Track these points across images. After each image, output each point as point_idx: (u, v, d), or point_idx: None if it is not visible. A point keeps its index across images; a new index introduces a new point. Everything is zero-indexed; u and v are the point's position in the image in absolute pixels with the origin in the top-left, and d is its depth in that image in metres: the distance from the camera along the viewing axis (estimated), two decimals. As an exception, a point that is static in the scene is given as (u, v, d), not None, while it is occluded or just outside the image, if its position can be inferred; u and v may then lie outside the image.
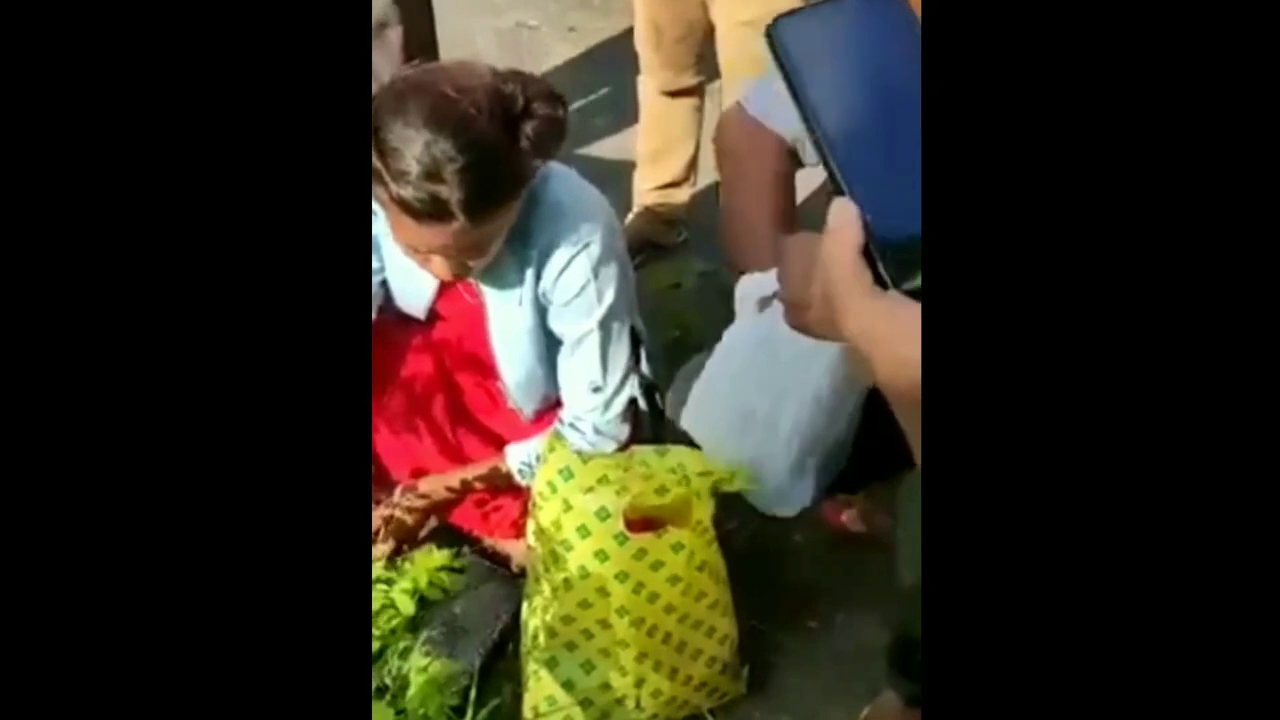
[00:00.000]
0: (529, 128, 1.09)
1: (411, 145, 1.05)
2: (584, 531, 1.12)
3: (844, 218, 0.46)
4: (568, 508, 1.13)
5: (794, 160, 1.27)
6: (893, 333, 0.47)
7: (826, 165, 0.47)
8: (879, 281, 0.47)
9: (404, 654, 1.02)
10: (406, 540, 1.41)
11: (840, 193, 0.46)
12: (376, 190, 1.09)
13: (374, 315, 1.43)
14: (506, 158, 1.09)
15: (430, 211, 1.07)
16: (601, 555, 1.13)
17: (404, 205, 1.07)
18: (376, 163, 1.07)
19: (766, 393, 1.12)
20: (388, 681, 1.06)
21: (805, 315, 0.76)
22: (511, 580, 1.40)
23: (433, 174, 1.05)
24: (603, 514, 1.12)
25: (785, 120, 1.25)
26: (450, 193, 1.06)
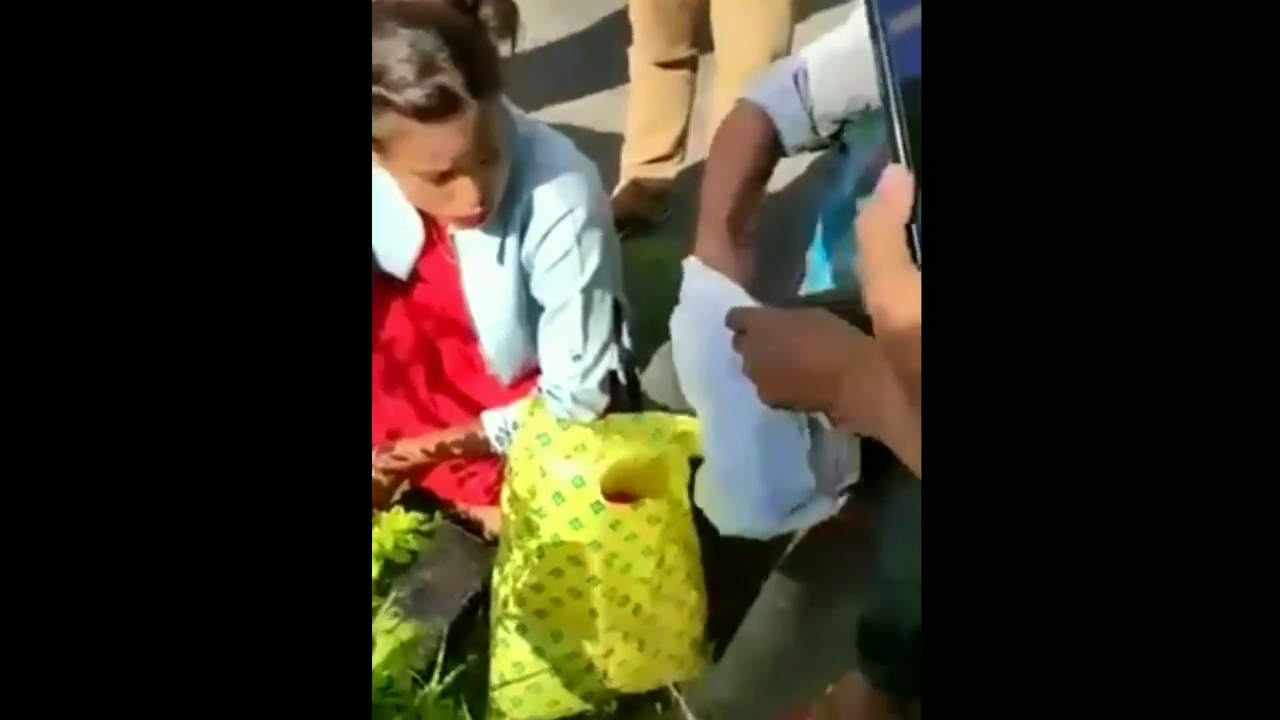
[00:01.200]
0: (485, 10, 1.10)
1: (397, 50, 1.05)
2: (559, 499, 1.11)
3: (898, 186, 0.46)
4: (544, 474, 1.12)
5: (775, 143, 1.26)
6: (914, 310, 0.47)
7: (891, 134, 0.46)
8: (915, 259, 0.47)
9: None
10: (380, 503, 1.40)
11: (898, 160, 0.46)
12: (383, 121, 1.08)
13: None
14: (481, 40, 1.10)
15: (443, 103, 1.06)
16: (576, 523, 1.12)
17: (418, 111, 1.06)
18: (375, 91, 1.06)
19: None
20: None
21: (779, 391, 0.75)
22: (483, 548, 1.39)
23: (428, 67, 1.05)
24: (579, 482, 1.11)
25: (777, 110, 1.25)
26: (452, 78, 1.06)
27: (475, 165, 1.13)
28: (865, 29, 0.46)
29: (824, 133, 1.25)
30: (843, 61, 1.19)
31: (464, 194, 1.14)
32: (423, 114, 1.07)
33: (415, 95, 1.05)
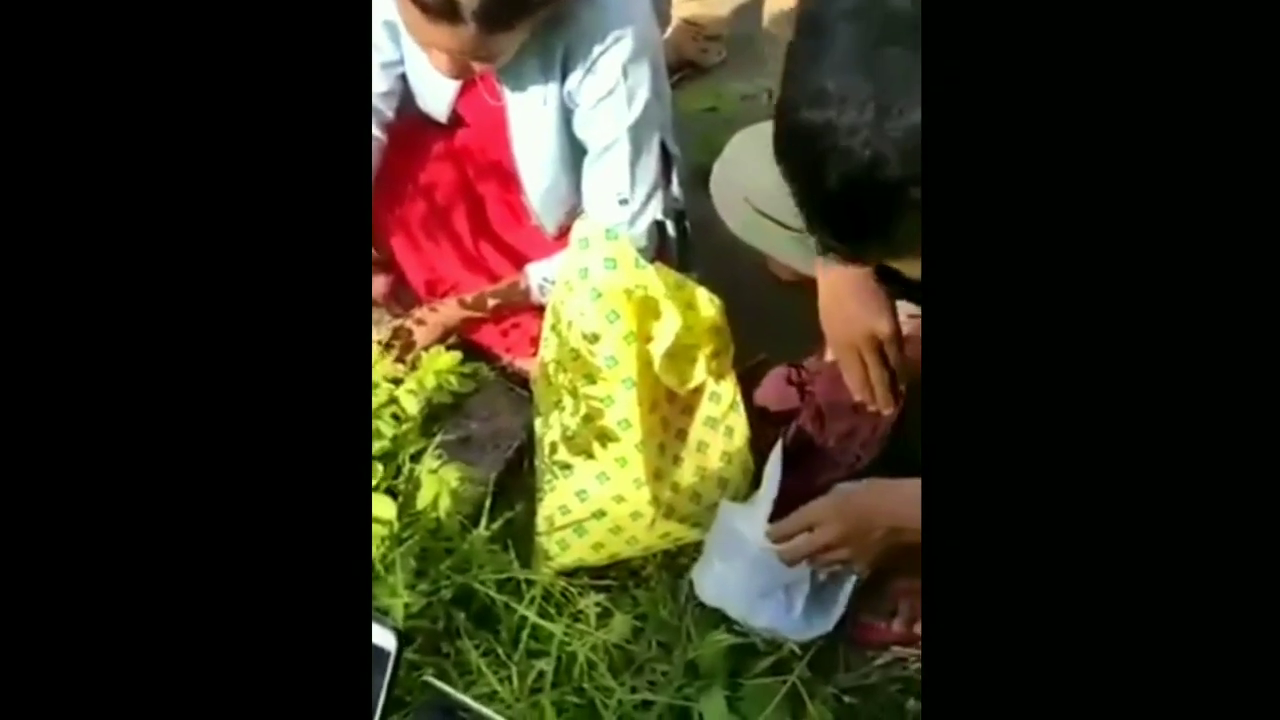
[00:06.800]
0: None
1: None
2: (614, 316, 1.08)
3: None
4: (582, 313, 1.08)
5: None
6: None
7: None
8: None
9: (416, 457, 1.01)
10: (416, 354, 1.39)
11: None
12: None
13: (393, 114, 1.36)
14: None
15: (441, 10, 1.02)
16: (611, 361, 1.09)
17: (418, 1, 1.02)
18: None
19: None
20: (396, 484, 1.05)
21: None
22: (528, 400, 1.38)
23: None
24: (613, 316, 1.07)
25: None
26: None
27: (458, 57, 1.10)
28: None
29: None
30: None
31: (437, 59, 1.13)
32: (420, 5, 1.02)
33: None
